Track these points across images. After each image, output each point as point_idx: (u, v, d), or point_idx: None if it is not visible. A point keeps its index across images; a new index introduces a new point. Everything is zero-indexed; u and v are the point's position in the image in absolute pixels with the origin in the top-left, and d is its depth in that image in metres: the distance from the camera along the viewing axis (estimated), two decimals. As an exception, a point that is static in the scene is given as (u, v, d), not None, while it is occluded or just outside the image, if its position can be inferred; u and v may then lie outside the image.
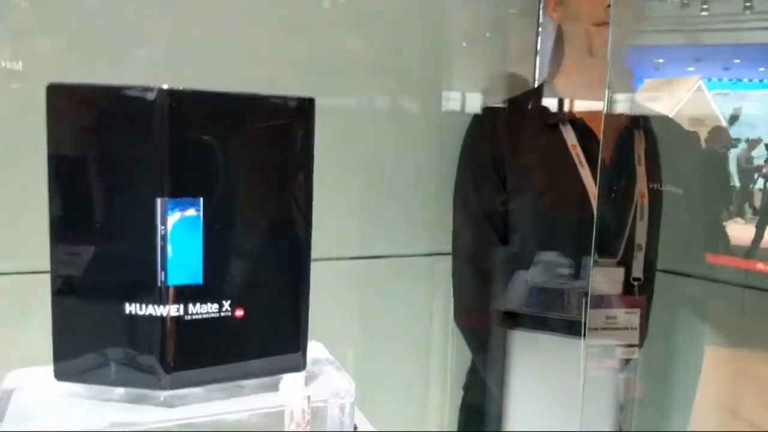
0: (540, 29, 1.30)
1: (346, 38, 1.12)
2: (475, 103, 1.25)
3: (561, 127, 1.09)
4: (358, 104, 1.16)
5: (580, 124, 1.09)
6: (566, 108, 1.14)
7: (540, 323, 1.07)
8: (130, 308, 0.54)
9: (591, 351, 1.03)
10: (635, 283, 1.08)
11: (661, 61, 1.39)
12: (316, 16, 1.10)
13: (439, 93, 1.23)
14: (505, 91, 1.25)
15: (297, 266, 0.60)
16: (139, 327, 0.54)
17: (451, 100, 1.24)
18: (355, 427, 0.61)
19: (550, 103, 1.15)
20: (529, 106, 1.18)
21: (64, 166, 0.53)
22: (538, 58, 1.31)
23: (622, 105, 1.17)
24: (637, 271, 1.08)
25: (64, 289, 0.55)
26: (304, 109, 0.58)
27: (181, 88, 0.52)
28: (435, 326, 1.25)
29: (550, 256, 1.11)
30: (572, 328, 1.03)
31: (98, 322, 0.55)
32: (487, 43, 1.28)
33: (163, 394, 0.56)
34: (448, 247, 1.16)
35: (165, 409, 0.56)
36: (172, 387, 0.55)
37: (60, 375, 0.56)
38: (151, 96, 0.52)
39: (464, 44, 1.26)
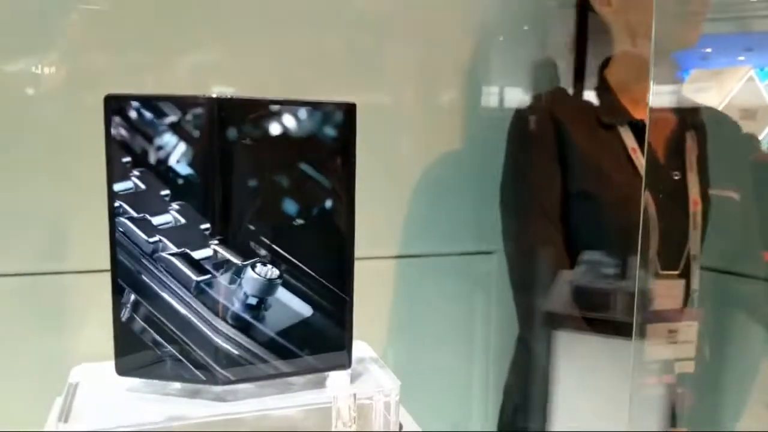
0: (583, 18, 1.27)
1: (381, 35, 1.12)
2: (513, 98, 1.23)
3: (619, 128, 1.04)
4: (396, 101, 1.16)
5: (639, 126, 1.03)
6: (622, 106, 1.07)
7: (586, 324, 1.06)
8: (186, 307, 0.57)
9: (651, 367, 1.01)
10: (693, 295, 1.04)
11: (708, 50, 1.35)
12: (350, 14, 1.10)
13: (478, 88, 1.21)
14: (545, 85, 1.23)
15: (342, 267, 0.61)
16: (195, 324, 0.57)
17: (490, 95, 1.23)
18: (401, 426, 0.63)
19: (602, 99, 1.09)
20: (578, 102, 1.14)
21: (120, 172, 0.56)
22: (582, 51, 1.28)
23: (669, 98, 1.13)
24: (695, 282, 1.04)
25: (123, 288, 0.58)
26: (346, 114, 0.59)
27: (228, 96, 0.54)
28: (476, 325, 1.25)
29: (595, 255, 1.09)
30: (619, 330, 1.02)
31: (156, 320, 0.58)
32: (524, 36, 1.26)
33: (217, 389, 0.59)
34: (488, 246, 1.16)
35: (218, 404, 0.58)
36: (225, 383, 0.58)
37: (121, 370, 0.59)
38: (201, 104, 0.54)
39: (501, 38, 1.25)
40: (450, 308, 1.22)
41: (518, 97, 1.23)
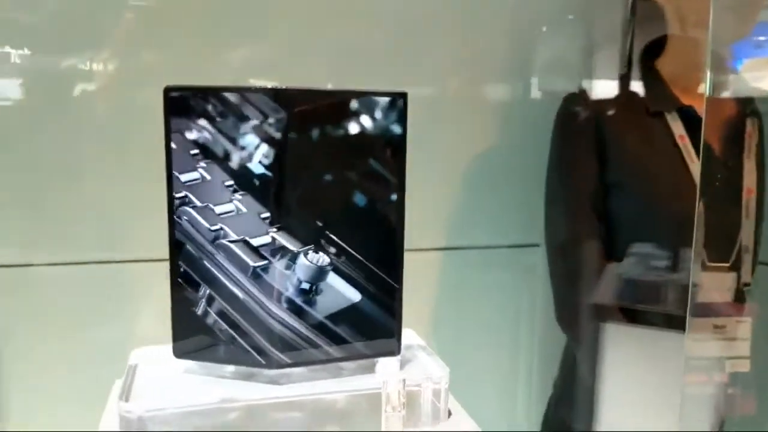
0: (632, 7, 1.25)
1: (425, 27, 1.12)
2: (561, 88, 1.22)
3: (667, 115, 1.01)
4: (442, 94, 1.16)
5: (689, 113, 1.01)
6: (671, 94, 1.04)
7: (636, 317, 1.04)
8: (243, 292, 0.59)
9: (696, 363, 0.99)
10: (745, 289, 1.00)
11: (762, 38, 1.30)
12: (395, 8, 1.10)
13: (525, 78, 1.20)
14: (594, 74, 1.21)
15: (392, 255, 0.62)
16: (251, 309, 0.59)
17: (537, 86, 1.21)
18: (450, 412, 0.63)
19: (651, 87, 1.06)
20: (627, 91, 1.11)
21: (186, 163, 0.58)
22: (630, 39, 1.26)
23: (724, 87, 1.10)
24: (746, 275, 1.00)
25: (181, 276, 0.60)
26: (397, 103, 0.60)
27: (284, 86, 0.55)
28: (522, 318, 1.24)
29: (645, 248, 1.08)
30: (670, 322, 1.00)
31: (212, 305, 0.60)
32: (570, 26, 1.24)
33: (270, 373, 0.60)
34: (536, 239, 1.15)
35: (271, 387, 0.60)
36: (278, 366, 0.59)
37: (178, 353, 0.61)
38: (257, 95, 0.56)
39: (544, 28, 1.23)
40: (497, 300, 1.22)
41: (565, 87, 1.21)
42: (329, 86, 1.01)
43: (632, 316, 1.04)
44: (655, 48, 1.08)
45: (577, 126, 1.08)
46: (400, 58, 1.09)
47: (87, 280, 0.97)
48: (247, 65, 1.02)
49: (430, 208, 1.12)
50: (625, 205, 1.04)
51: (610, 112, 1.06)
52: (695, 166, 0.98)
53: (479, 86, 1.19)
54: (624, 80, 1.15)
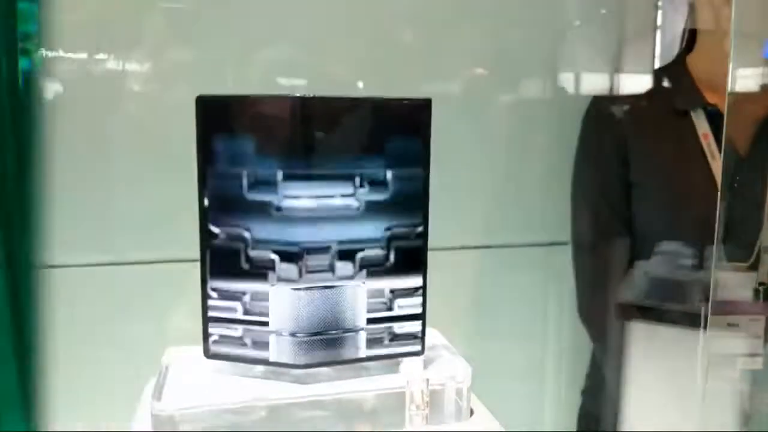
0: (661, 3, 1.23)
1: (455, 25, 1.13)
2: (591, 86, 1.21)
3: (692, 113, 1.01)
4: (473, 92, 1.15)
5: (714, 111, 1.00)
6: (698, 91, 1.04)
7: (660, 315, 1.04)
8: (268, 292, 0.60)
9: (712, 360, 0.99)
10: (761, 288, 1.02)
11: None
12: (428, 5, 1.11)
13: (554, 76, 1.20)
14: (624, 71, 1.20)
15: (417, 258, 0.63)
16: (278, 309, 0.60)
17: (567, 83, 1.20)
18: (472, 411, 0.65)
19: (678, 84, 1.06)
20: (654, 88, 1.11)
21: (210, 169, 0.60)
22: (659, 36, 1.24)
23: (753, 82, 1.08)
24: (763, 275, 1.00)
25: (212, 275, 0.62)
26: (421, 110, 0.61)
27: (311, 95, 0.57)
28: (552, 318, 1.24)
29: (672, 246, 1.08)
30: (694, 321, 1.00)
31: (242, 305, 0.62)
32: (602, 20, 1.23)
33: (297, 372, 0.62)
34: (566, 237, 1.15)
35: (298, 386, 0.61)
36: (305, 366, 0.61)
37: (208, 353, 0.63)
38: (286, 103, 0.57)
39: (578, 22, 1.23)
40: (527, 299, 1.22)
41: (596, 84, 1.20)
42: (360, 85, 1.03)
43: (654, 314, 1.04)
44: (687, 44, 1.07)
45: (603, 125, 1.08)
46: (432, 57, 1.10)
47: (124, 280, 1.00)
48: (278, 65, 1.04)
49: (459, 206, 1.11)
50: (647, 204, 1.04)
51: (636, 111, 1.06)
52: (717, 163, 0.98)
53: (510, 83, 1.18)
54: (654, 76, 1.14)
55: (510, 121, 1.18)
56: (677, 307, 1.03)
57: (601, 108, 1.10)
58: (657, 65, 1.22)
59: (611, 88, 1.18)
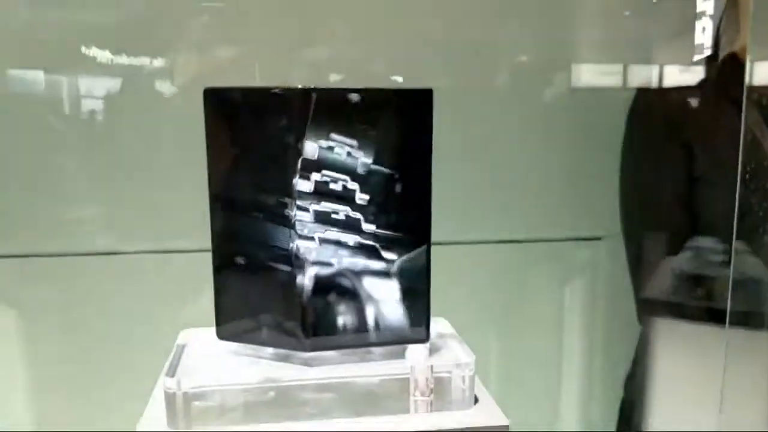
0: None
1: (495, 14, 1.12)
2: (636, 76, 1.18)
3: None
4: (508, 83, 1.15)
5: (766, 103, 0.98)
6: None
7: (713, 315, 1.02)
8: (279, 279, 0.62)
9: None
10: None
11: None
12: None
13: (591, 66, 1.17)
14: (668, 62, 1.17)
15: (420, 248, 0.64)
16: (286, 296, 0.63)
17: (603, 74, 1.18)
18: (476, 399, 0.65)
19: (731, 74, 1.03)
20: (706, 79, 1.08)
21: (220, 159, 0.62)
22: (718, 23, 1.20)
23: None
24: None
25: (224, 264, 0.64)
26: (423, 100, 0.62)
27: (313, 86, 0.58)
28: (569, 312, 1.22)
29: (700, 241, 1.05)
30: (753, 321, 0.97)
31: (252, 291, 0.64)
32: (652, 10, 1.20)
33: (305, 355, 0.64)
34: (587, 232, 1.13)
35: (305, 368, 0.63)
36: (311, 349, 0.63)
37: (221, 335, 0.66)
38: (290, 95, 0.59)
39: (627, 12, 1.20)
40: (555, 294, 1.21)
41: (641, 75, 1.18)
42: (399, 79, 1.05)
43: (710, 314, 1.02)
44: (734, 33, 1.04)
45: (656, 119, 1.06)
46: (466, 48, 1.09)
47: (146, 268, 1.05)
48: (310, 61, 1.06)
49: (478, 201, 1.12)
50: (710, 199, 1.01)
51: (691, 102, 1.03)
52: None
53: (549, 74, 1.17)
54: (707, 66, 1.11)
55: (545, 113, 1.16)
56: (741, 308, 0.99)
57: (652, 102, 1.07)
58: (702, 55, 1.19)
59: (654, 81, 1.15)
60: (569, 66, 1.17)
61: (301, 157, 0.60)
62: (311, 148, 0.60)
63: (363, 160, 0.62)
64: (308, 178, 0.60)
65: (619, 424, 1.18)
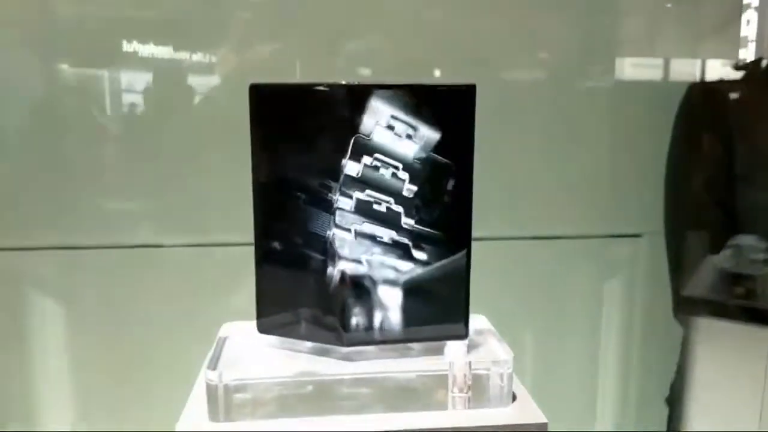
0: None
1: (541, 8, 1.11)
2: (681, 72, 1.15)
3: None
4: (552, 78, 1.14)
5: None
6: None
7: (754, 315, 1.00)
8: (317, 272, 0.63)
9: None
10: None
11: None
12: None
13: (636, 61, 1.16)
14: (720, 56, 1.14)
15: (461, 244, 0.64)
16: (325, 291, 0.63)
17: (648, 68, 1.16)
18: (514, 396, 0.65)
19: None
20: (756, 74, 1.06)
21: (265, 155, 0.63)
22: (745, 17, 1.17)
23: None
24: None
25: (265, 258, 0.65)
26: (466, 95, 0.62)
27: (356, 82, 0.59)
28: (607, 311, 1.21)
29: (746, 240, 1.03)
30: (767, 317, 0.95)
31: (293, 286, 0.65)
32: (689, 2, 1.17)
33: (344, 350, 0.64)
34: (624, 229, 1.11)
35: (344, 363, 0.64)
36: (350, 344, 0.63)
37: (261, 328, 0.67)
38: (333, 91, 0.60)
39: (669, 4, 1.17)
40: (594, 291, 1.20)
41: (686, 70, 1.15)
42: (437, 73, 1.05)
43: (751, 314, 1.00)
44: None
45: (704, 116, 1.04)
46: (511, 40, 1.09)
47: (191, 261, 1.07)
48: (354, 55, 1.07)
49: (515, 197, 1.11)
50: (754, 198, 0.99)
51: (740, 100, 1.01)
52: None
53: (590, 70, 1.16)
54: (756, 63, 1.08)
55: (586, 110, 1.15)
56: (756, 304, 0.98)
57: (701, 99, 1.06)
58: (751, 51, 1.16)
59: (710, 77, 1.13)
60: (612, 60, 1.15)
61: (355, 136, 0.60)
62: (367, 129, 0.60)
63: (416, 151, 0.61)
64: (358, 161, 0.60)
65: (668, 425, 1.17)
